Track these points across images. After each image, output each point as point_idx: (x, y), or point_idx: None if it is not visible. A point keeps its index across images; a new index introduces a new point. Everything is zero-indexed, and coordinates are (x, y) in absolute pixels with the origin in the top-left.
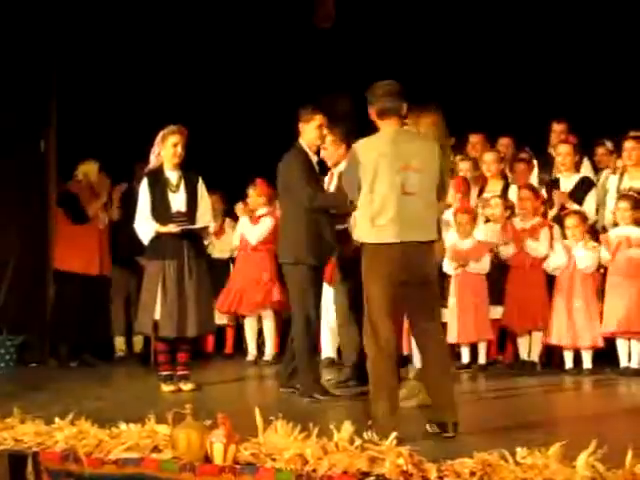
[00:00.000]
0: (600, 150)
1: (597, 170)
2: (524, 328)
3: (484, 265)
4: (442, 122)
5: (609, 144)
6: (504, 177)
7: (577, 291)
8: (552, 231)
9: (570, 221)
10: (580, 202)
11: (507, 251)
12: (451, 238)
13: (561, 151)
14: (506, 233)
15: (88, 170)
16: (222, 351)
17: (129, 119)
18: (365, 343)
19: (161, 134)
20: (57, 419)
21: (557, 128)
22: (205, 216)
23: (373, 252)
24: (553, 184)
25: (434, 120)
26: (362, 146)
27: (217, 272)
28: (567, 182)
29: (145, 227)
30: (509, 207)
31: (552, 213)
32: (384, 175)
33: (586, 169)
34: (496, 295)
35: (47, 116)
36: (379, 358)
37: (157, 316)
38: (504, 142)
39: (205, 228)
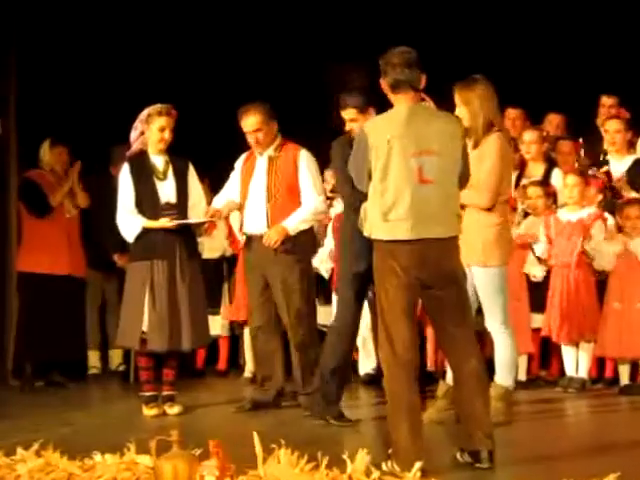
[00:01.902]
0: None
1: None
2: (570, 338)
3: (528, 263)
4: (493, 98)
5: None
6: (547, 160)
7: (637, 294)
8: (606, 224)
9: (631, 211)
10: (637, 187)
11: (540, 249)
12: None
13: (610, 128)
14: (548, 228)
15: (48, 153)
16: (214, 367)
17: (104, 95)
18: (380, 355)
19: (146, 112)
20: (19, 449)
21: (606, 102)
22: (198, 208)
23: (386, 250)
24: (601, 166)
25: (483, 95)
26: (371, 126)
27: (207, 275)
28: (618, 164)
29: (130, 222)
30: (551, 194)
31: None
32: (397, 160)
33: None
34: (537, 300)
35: (5, 94)
36: (395, 369)
37: (145, 327)
38: (554, 120)
39: (203, 223)
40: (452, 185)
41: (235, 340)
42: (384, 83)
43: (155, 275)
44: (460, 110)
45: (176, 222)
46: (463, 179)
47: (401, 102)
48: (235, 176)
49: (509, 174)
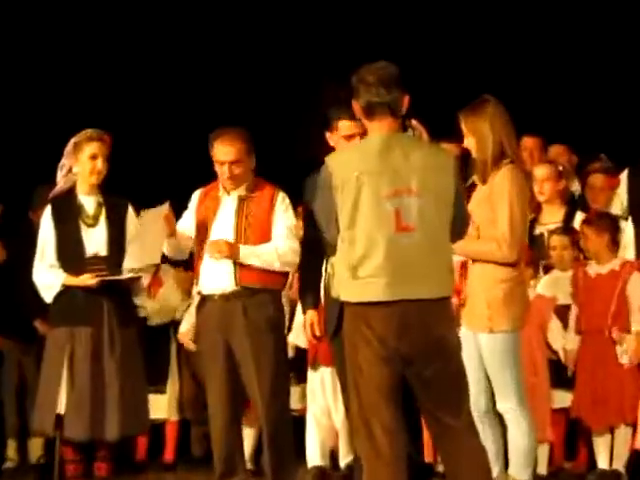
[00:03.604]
0: None
1: None
2: (603, 423)
3: (551, 332)
4: (505, 122)
5: None
6: (566, 199)
7: None
8: None
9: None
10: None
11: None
12: None
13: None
14: (577, 286)
15: None
16: (160, 458)
17: (27, 126)
18: (357, 447)
19: (72, 142)
20: None
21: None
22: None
23: (357, 315)
24: None
25: (493, 119)
26: (337, 161)
27: (151, 344)
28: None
29: (47, 278)
30: (576, 243)
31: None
32: (369, 202)
33: None
34: (560, 373)
35: None
36: (377, 467)
37: (61, 409)
38: (557, 150)
39: (135, 279)
40: (440, 233)
41: (186, 425)
42: (356, 106)
43: (76, 345)
44: (468, 141)
45: (100, 279)
46: (459, 225)
47: (376, 130)
48: (189, 217)
49: (525, 216)
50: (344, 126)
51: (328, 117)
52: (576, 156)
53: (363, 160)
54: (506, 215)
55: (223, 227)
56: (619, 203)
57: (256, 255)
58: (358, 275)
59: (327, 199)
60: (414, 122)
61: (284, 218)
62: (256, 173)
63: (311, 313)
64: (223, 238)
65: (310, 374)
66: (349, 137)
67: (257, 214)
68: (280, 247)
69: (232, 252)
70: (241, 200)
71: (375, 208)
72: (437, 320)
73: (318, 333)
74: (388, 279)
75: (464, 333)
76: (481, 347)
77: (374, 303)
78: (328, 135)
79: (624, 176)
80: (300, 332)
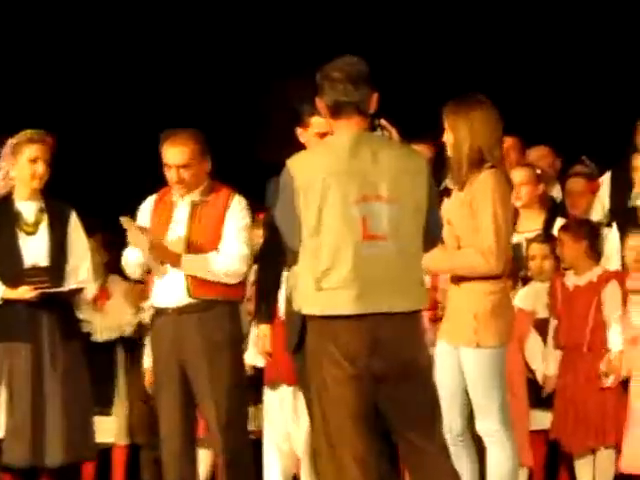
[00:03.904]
0: None
1: None
2: (583, 445)
3: (529, 349)
4: (491, 125)
5: None
6: (545, 205)
7: None
8: (624, 288)
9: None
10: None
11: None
12: None
13: (639, 164)
14: (554, 297)
15: None
16: None
17: None
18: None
19: (10, 144)
20: None
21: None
22: (80, 271)
23: (322, 330)
24: (630, 216)
25: (477, 119)
26: (299, 163)
27: (97, 363)
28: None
29: None
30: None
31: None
32: (335, 208)
33: None
34: (538, 393)
35: None
36: None
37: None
38: (539, 153)
39: (78, 291)
40: (413, 242)
41: (135, 449)
42: (321, 104)
43: (15, 363)
44: (447, 137)
45: (40, 291)
46: (432, 233)
47: (343, 130)
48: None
49: (510, 224)
50: (317, 123)
51: (300, 113)
52: (560, 159)
53: (329, 162)
54: (490, 224)
55: (176, 234)
56: (600, 208)
57: (205, 265)
58: (322, 286)
59: (289, 204)
60: (383, 122)
61: (235, 221)
62: (212, 176)
63: (264, 327)
64: (165, 244)
65: (267, 394)
66: (322, 135)
67: (210, 219)
68: (232, 254)
69: (169, 258)
70: (194, 205)
71: (342, 214)
72: (410, 335)
73: (268, 349)
74: (357, 291)
75: (444, 348)
76: (464, 363)
77: (342, 317)
78: (299, 132)
79: (606, 179)
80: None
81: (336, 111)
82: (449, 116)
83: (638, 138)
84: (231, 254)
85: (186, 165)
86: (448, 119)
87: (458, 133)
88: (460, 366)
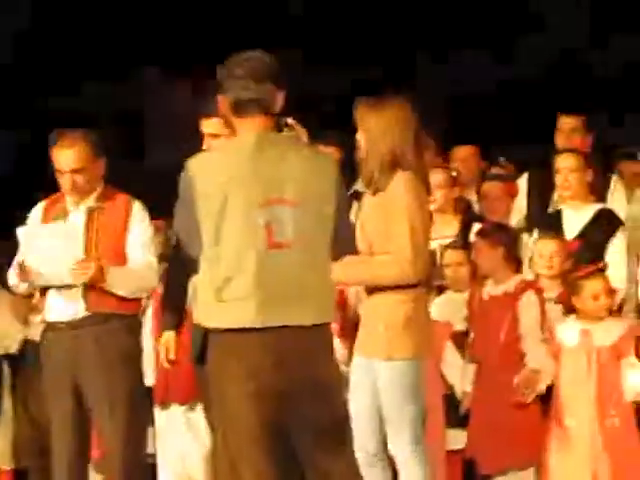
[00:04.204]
0: (629, 165)
1: None
2: (501, 465)
3: (446, 364)
4: (407, 126)
5: None
6: (461, 209)
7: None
8: (542, 298)
9: (592, 286)
10: (599, 252)
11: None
12: None
13: (563, 165)
14: (471, 308)
15: None
16: None
17: None
18: None
19: None
20: None
21: (566, 124)
22: None
23: (222, 345)
24: (551, 220)
25: (392, 118)
26: (199, 166)
27: None
28: (575, 217)
29: None
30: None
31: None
32: (236, 214)
33: (616, 195)
34: (456, 411)
35: None
36: None
37: None
38: (462, 153)
39: None
40: (320, 249)
41: (23, 474)
42: (223, 102)
43: None
44: (359, 135)
45: None
46: (342, 241)
47: (246, 129)
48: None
49: (428, 229)
50: (207, 123)
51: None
52: (483, 161)
53: (230, 164)
54: (405, 228)
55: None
56: (518, 213)
57: (130, 278)
58: (223, 297)
59: (188, 210)
60: (291, 121)
61: (140, 230)
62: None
63: (168, 334)
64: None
65: (158, 414)
66: (215, 136)
67: (110, 228)
68: (138, 266)
69: (97, 275)
70: (91, 212)
71: (244, 221)
72: (317, 350)
73: (172, 357)
74: (260, 302)
75: (358, 362)
76: (377, 377)
77: (244, 330)
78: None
79: (522, 181)
80: (148, 368)
81: (238, 109)
82: (363, 116)
83: (559, 137)
84: (143, 265)
85: (78, 169)
86: (361, 119)
87: (370, 134)
88: (375, 381)
